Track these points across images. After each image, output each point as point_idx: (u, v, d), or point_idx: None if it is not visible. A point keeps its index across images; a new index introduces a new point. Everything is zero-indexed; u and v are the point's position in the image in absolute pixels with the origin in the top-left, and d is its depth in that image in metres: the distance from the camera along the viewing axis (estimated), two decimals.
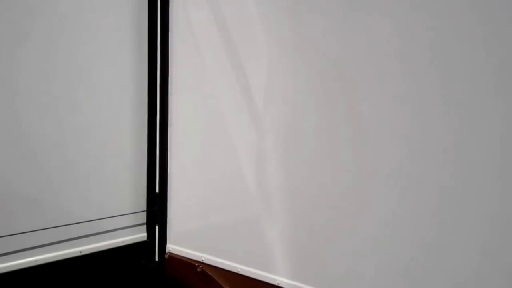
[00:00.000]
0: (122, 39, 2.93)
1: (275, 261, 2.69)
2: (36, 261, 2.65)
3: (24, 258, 2.61)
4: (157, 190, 3.15)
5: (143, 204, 3.16)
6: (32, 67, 2.56)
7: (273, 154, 2.67)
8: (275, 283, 2.68)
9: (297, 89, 2.57)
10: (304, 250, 2.58)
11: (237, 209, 2.84)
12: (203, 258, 2.99)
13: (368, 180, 2.34)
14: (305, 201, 2.55)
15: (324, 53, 2.45)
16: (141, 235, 3.17)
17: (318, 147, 2.51)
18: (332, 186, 2.45)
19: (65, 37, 2.67)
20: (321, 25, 2.46)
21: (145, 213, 3.16)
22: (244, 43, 2.75)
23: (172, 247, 3.14)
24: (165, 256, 3.15)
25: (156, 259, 3.19)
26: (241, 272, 2.82)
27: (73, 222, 2.77)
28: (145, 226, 3.20)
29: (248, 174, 2.76)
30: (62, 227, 2.74)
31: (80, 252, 2.84)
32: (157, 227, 3.19)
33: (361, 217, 2.38)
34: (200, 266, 2.99)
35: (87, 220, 2.83)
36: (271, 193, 2.69)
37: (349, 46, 2.38)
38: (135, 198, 3.11)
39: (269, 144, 2.67)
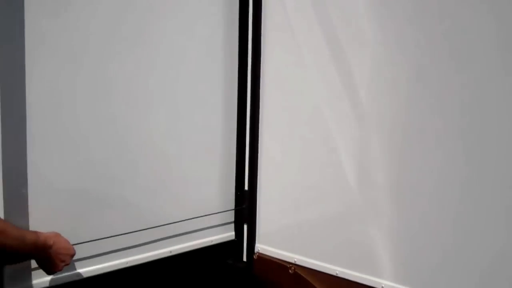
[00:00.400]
0: (213, 31, 2.82)
1: (379, 262, 2.54)
2: (127, 262, 2.55)
3: (116, 259, 2.51)
4: (246, 187, 3.02)
5: (231, 202, 3.05)
6: (125, 65, 2.46)
7: (379, 150, 2.52)
8: (379, 287, 2.53)
9: (407, 81, 2.39)
10: (416, 252, 2.41)
11: (334, 207, 2.71)
12: (295, 259, 2.86)
13: (488, 176, 2.15)
14: (419, 200, 2.38)
15: (441, 41, 2.28)
16: (229, 234, 3.07)
17: (430, 142, 2.34)
18: (450, 183, 2.27)
19: (155, 32, 2.56)
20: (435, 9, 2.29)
21: (233, 211, 3.05)
22: (345, 29, 2.60)
23: (261, 246, 3.02)
24: (254, 256, 3.02)
25: (244, 259, 3.07)
26: (339, 275, 2.69)
27: (163, 224, 2.67)
28: (233, 225, 3.08)
29: (349, 171, 2.62)
30: (152, 228, 2.63)
31: (170, 252, 2.75)
32: (245, 226, 3.07)
33: (484, 218, 2.20)
34: (293, 268, 2.86)
35: (176, 221, 2.73)
36: (376, 190, 2.54)
37: (469, 33, 2.19)
38: (223, 196, 3.00)
39: (375, 139, 2.52)
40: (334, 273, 2.70)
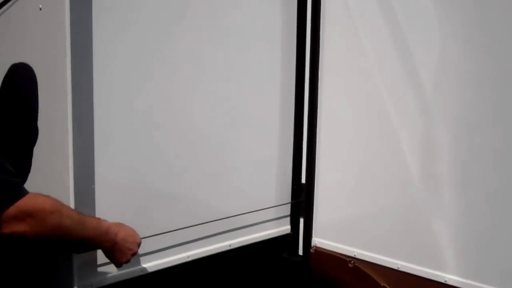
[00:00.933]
0: (271, 27, 2.85)
1: (442, 256, 2.53)
2: (188, 256, 2.58)
3: (178, 254, 2.55)
4: (303, 181, 3.03)
5: (287, 195, 3.06)
6: (187, 66, 2.51)
7: (442, 143, 2.51)
8: (442, 281, 2.52)
9: (473, 76, 2.38)
10: (481, 245, 2.40)
11: (395, 200, 2.70)
12: (355, 253, 2.86)
13: None
14: (485, 194, 2.38)
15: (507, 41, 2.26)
16: (284, 228, 3.08)
17: (497, 137, 2.32)
18: None
19: (216, 32, 2.60)
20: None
21: (289, 205, 3.06)
22: (410, 17, 2.59)
23: (318, 240, 3.03)
24: (311, 250, 3.03)
25: (300, 253, 3.08)
26: (400, 269, 2.68)
27: (221, 217, 2.69)
28: (288, 219, 3.09)
29: (411, 163, 2.61)
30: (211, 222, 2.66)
31: (230, 246, 2.77)
32: (301, 220, 3.07)
33: None
34: (352, 261, 2.86)
35: (234, 214, 2.75)
36: (439, 183, 2.53)
37: None
38: (280, 189, 3.01)
39: (439, 133, 2.51)
40: (395, 267, 2.70)
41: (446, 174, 2.50)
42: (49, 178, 2.09)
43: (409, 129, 2.61)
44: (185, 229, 2.54)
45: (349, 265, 2.87)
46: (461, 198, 2.45)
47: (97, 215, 2.19)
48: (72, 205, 2.05)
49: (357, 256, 2.85)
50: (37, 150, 2.12)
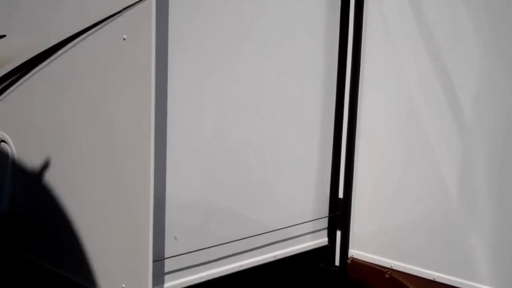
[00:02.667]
0: (314, 40, 3.08)
1: (479, 267, 2.78)
2: (240, 266, 2.85)
3: (230, 264, 2.82)
4: (341, 195, 3.29)
5: (325, 209, 3.33)
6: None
7: (479, 156, 2.77)
8: None
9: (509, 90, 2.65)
10: None
11: (432, 212, 2.94)
12: (392, 264, 3.10)
13: None
14: None
15: None
16: (322, 240, 3.34)
17: None
18: None
19: (259, 43, 2.85)
20: None
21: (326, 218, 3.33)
22: (449, 36, 2.83)
23: (355, 252, 3.27)
24: (347, 261, 3.28)
25: (337, 264, 3.33)
26: (437, 279, 2.92)
27: (268, 231, 2.98)
28: (326, 231, 3.36)
29: (447, 176, 2.86)
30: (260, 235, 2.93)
31: (275, 257, 3.03)
32: (338, 232, 3.33)
33: None
34: (389, 272, 3.10)
35: (278, 228, 3.04)
36: (476, 196, 2.79)
37: None
38: (318, 203, 3.27)
39: (475, 145, 2.77)
40: (431, 278, 2.95)
41: (483, 188, 2.75)
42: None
43: (447, 144, 2.85)
44: (237, 241, 2.81)
45: (386, 275, 3.12)
46: (498, 212, 2.70)
47: (167, 222, 2.47)
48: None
49: (394, 267, 3.09)
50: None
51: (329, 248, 3.37)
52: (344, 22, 3.14)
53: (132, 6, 2.28)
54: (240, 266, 2.87)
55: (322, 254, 3.36)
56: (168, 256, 2.52)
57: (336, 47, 3.17)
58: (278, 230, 3.05)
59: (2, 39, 2.94)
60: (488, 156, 2.74)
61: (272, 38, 2.86)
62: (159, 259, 2.48)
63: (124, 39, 2.32)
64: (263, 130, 2.94)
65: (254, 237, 2.91)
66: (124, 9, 2.31)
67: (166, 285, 2.52)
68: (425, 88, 2.92)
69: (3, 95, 2.93)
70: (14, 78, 2.87)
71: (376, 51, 3.09)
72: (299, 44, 3.01)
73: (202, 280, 2.68)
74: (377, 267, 3.15)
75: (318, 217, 3.28)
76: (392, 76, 3.04)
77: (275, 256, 3.05)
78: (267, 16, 2.80)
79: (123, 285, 2.43)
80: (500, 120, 2.69)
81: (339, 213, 3.31)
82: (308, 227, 3.25)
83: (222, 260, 2.77)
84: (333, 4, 3.10)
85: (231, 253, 2.82)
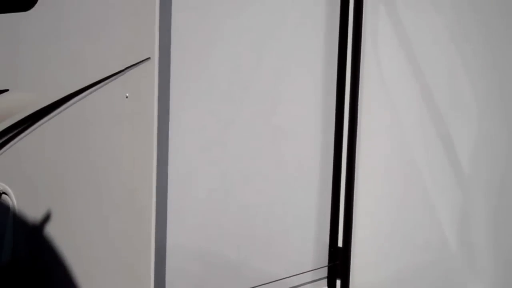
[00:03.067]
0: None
1: None
2: None
3: None
4: (340, 244, 3.31)
5: (324, 258, 3.35)
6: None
7: (477, 210, 2.80)
8: None
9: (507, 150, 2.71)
10: None
11: (431, 262, 2.97)
12: None
13: None
14: None
15: None
16: None
17: None
18: None
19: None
20: None
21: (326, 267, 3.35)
22: (442, 85, 2.90)
23: None
24: None
25: None
26: None
27: (267, 282, 2.98)
28: (325, 280, 3.38)
29: (447, 229, 2.89)
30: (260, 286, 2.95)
31: None
32: (339, 281, 3.35)
33: None
34: None
35: (277, 278, 3.05)
36: (475, 250, 2.82)
37: None
38: (318, 252, 3.29)
39: (476, 202, 2.81)
40: None
41: (481, 242, 2.79)
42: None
43: (445, 193, 2.89)
44: None
45: None
46: (496, 265, 2.74)
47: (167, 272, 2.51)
48: None
49: None
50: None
51: None
52: (341, 74, 3.19)
53: (135, 65, 2.33)
54: None
55: None
56: None
57: (334, 97, 3.22)
58: (278, 281, 3.06)
59: (4, 93, 2.99)
60: (486, 212, 2.78)
61: (271, 95, 2.92)
62: None
63: (127, 97, 2.37)
64: (263, 181, 2.97)
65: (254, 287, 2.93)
66: (127, 68, 2.36)
67: None
68: (422, 146, 2.98)
69: (5, 148, 2.98)
70: (16, 131, 2.91)
71: (375, 101, 3.14)
72: (296, 100, 3.07)
73: None
74: None
75: (317, 267, 3.30)
76: (390, 128, 3.09)
77: None
78: (268, 77, 2.86)
79: None
80: (498, 175, 2.74)
81: (338, 262, 3.33)
82: (308, 277, 3.27)
83: None
84: (330, 54, 3.14)
85: None
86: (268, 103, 2.93)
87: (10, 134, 2.94)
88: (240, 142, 2.83)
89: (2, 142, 2.98)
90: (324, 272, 3.35)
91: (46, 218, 2.84)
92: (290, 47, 2.96)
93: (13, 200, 2.97)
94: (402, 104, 3.04)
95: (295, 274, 3.14)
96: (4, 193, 3.02)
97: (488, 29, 2.76)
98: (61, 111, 2.68)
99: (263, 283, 2.96)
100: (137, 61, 2.34)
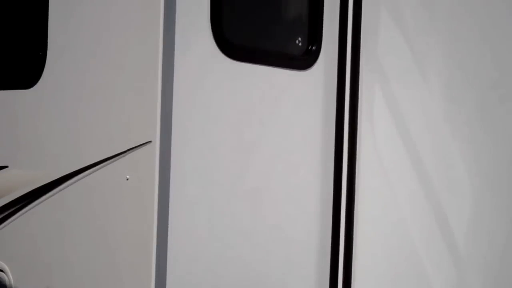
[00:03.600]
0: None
1: None
2: None
3: None
4: None
5: None
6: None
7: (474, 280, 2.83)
8: None
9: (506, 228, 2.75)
10: None
11: None
12: None
13: None
14: None
15: None
16: None
17: None
18: None
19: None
20: None
21: None
22: (435, 159, 2.97)
23: None
24: None
25: None
26: None
27: None
28: None
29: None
30: None
31: None
32: None
33: None
34: None
35: None
36: None
37: None
38: None
39: (473, 282, 2.84)
40: None
41: None
42: None
43: (441, 272, 2.92)
44: None
45: None
46: None
47: None
48: None
49: None
50: None
51: None
52: (338, 151, 3.23)
53: (136, 148, 2.38)
54: None
55: None
56: None
57: (332, 172, 3.24)
58: None
59: (3, 170, 3.03)
60: (481, 283, 2.79)
61: (270, 173, 2.95)
62: None
63: (127, 179, 2.41)
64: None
65: None
66: (128, 150, 2.40)
67: None
68: (414, 207, 3.02)
69: (3, 224, 2.99)
70: (15, 208, 2.93)
71: (372, 178, 3.18)
72: (295, 175, 3.09)
73: None
74: None
75: None
76: (386, 203, 3.14)
77: None
78: (267, 154, 2.90)
79: None
80: (495, 247, 2.76)
81: None
82: None
83: None
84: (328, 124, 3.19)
85: None
86: (268, 180, 2.95)
87: (9, 211, 2.96)
88: (242, 216, 2.85)
89: (1, 219, 2.99)
90: None
91: None
92: (288, 124, 3.01)
93: (10, 278, 2.97)
94: (397, 178, 3.08)
95: None
96: (1, 270, 3.02)
97: (477, 103, 2.83)
98: (60, 190, 2.71)
99: None
100: (138, 144, 2.38)
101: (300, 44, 3.06)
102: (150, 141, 2.36)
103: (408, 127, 3.09)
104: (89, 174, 2.58)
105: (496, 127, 2.80)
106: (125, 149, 2.44)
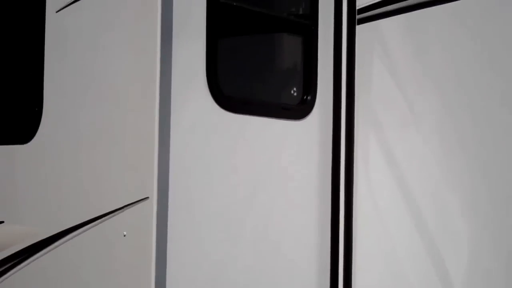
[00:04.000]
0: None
1: None
2: None
3: None
4: None
5: None
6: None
7: None
8: None
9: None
10: None
11: None
12: None
13: None
14: None
15: None
16: None
17: None
18: None
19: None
20: None
21: None
22: (432, 210, 2.96)
23: None
24: None
25: None
26: None
27: None
28: None
29: None
30: None
31: None
32: None
33: None
34: None
35: None
36: None
37: None
38: None
39: None
40: None
41: None
42: None
43: None
44: None
45: None
46: None
47: None
48: None
49: None
50: None
51: None
52: (335, 208, 3.23)
53: (133, 204, 2.38)
54: None
55: None
56: None
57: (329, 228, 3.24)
58: None
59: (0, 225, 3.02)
60: None
61: (265, 232, 2.95)
62: None
63: (124, 235, 2.40)
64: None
65: None
66: (126, 206, 2.40)
67: None
68: (410, 256, 3.02)
69: None
70: (11, 264, 2.91)
71: (368, 224, 3.19)
72: (289, 236, 3.08)
73: None
74: None
75: None
76: (384, 258, 3.14)
77: None
78: (262, 215, 2.90)
79: None
80: None
81: None
82: None
83: None
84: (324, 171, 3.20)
85: None
86: (266, 229, 2.94)
87: (4, 267, 2.94)
88: (242, 268, 2.83)
89: None
90: None
91: None
92: (285, 173, 3.01)
93: None
94: (393, 223, 3.10)
95: None
96: None
97: (471, 147, 2.85)
98: (56, 247, 2.69)
99: None
100: (136, 200, 2.38)
101: (295, 94, 3.08)
102: (147, 197, 2.36)
103: (403, 173, 3.10)
104: (86, 230, 2.58)
105: (491, 170, 2.81)
106: (122, 205, 2.43)
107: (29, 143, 2.93)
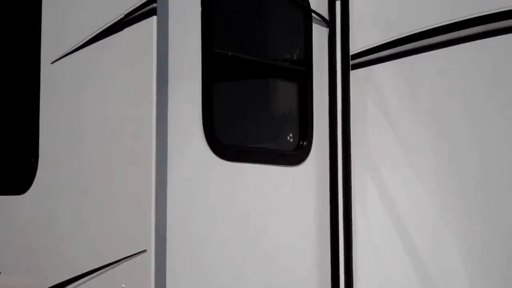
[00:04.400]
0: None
1: None
2: None
3: None
4: None
5: None
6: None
7: None
8: None
9: None
10: None
11: None
12: None
13: None
14: None
15: None
16: None
17: None
18: None
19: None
20: None
21: None
22: (429, 248, 2.99)
23: None
24: None
25: None
26: None
27: None
28: None
29: None
30: None
31: None
32: None
33: None
34: None
35: None
36: None
37: None
38: None
39: None
40: None
41: None
42: None
43: None
44: None
45: None
46: None
47: None
48: None
49: None
50: None
51: None
52: (334, 242, 3.23)
53: (131, 257, 2.37)
54: None
55: None
56: None
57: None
58: None
59: None
60: None
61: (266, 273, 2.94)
62: None
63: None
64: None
65: None
66: (123, 258, 2.39)
67: None
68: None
69: None
70: None
71: (368, 264, 3.19)
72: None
73: None
74: None
75: None
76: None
77: None
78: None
79: None
80: None
81: None
82: None
83: None
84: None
85: None
86: (266, 278, 2.93)
87: None
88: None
89: None
90: None
91: None
92: (284, 219, 3.02)
93: None
94: (392, 264, 3.11)
95: None
96: None
97: (467, 183, 2.86)
98: None
99: None
100: (134, 253, 2.37)
101: (291, 140, 3.09)
102: (145, 250, 2.35)
103: (400, 213, 3.11)
104: (84, 282, 2.56)
105: (488, 210, 2.82)
106: (120, 258, 2.42)
107: (25, 194, 2.92)
